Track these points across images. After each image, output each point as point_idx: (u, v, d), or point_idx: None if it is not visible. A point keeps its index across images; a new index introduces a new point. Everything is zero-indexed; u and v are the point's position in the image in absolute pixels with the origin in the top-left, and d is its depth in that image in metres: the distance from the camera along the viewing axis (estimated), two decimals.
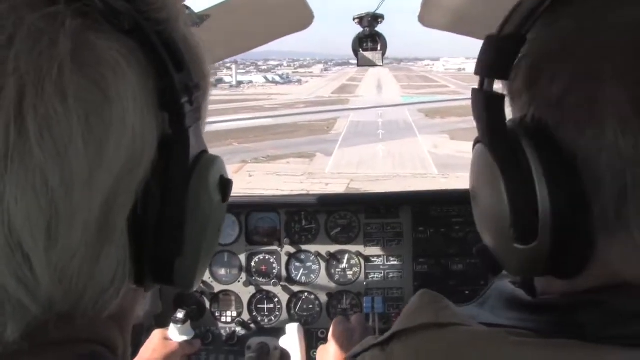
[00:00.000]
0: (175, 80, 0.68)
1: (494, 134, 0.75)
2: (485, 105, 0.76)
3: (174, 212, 0.70)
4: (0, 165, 0.53)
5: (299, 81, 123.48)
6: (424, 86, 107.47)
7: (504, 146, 0.73)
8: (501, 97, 0.76)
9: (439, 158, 32.02)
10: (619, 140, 0.64)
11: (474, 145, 0.84)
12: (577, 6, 0.70)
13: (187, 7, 2.12)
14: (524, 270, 0.80)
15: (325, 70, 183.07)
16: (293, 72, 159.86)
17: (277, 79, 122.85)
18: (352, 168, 29.42)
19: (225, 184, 0.80)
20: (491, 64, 0.77)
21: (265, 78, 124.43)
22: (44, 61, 0.55)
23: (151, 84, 0.66)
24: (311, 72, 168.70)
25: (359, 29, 2.47)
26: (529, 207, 0.70)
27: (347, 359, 1.00)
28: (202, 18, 2.23)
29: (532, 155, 0.70)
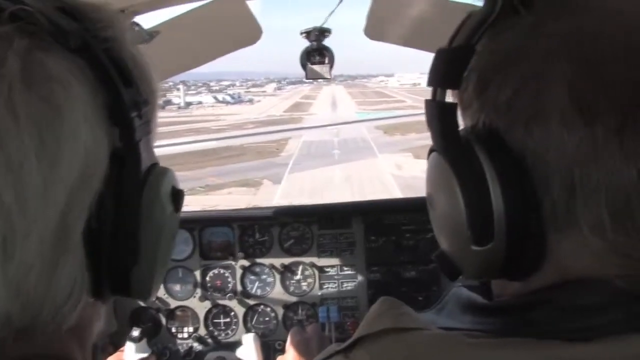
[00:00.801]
0: (124, 96, 0.70)
1: (447, 141, 0.78)
2: (438, 114, 0.79)
3: (128, 222, 0.72)
4: None
5: (251, 100, 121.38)
6: (380, 102, 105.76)
7: (458, 153, 0.76)
8: (453, 106, 0.79)
9: (403, 180, 29.42)
10: (565, 139, 0.67)
11: (429, 154, 0.87)
12: (522, 18, 0.75)
13: (137, 24, 2.14)
14: (481, 273, 0.83)
15: (279, 89, 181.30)
16: (245, 92, 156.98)
17: (228, 98, 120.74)
18: (304, 197, 25.54)
19: (177, 195, 0.83)
20: (442, 75, 0.80)
21: (215, 98, 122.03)
22: None
23: (100, 99, 0.68)
24: (264, 91, 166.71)
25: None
26: (484, 209, 0.72)
27: None
28: (151, 34, 2.25)
29: (484, 159, 0.73)
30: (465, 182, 0.74)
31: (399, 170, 33.36)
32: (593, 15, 0.71)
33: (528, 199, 0.71)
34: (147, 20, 2.24)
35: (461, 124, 0.82)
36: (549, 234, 0.73)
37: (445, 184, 0.78)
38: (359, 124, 65.27)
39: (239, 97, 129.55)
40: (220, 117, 77.89)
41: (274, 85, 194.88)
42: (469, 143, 0.75)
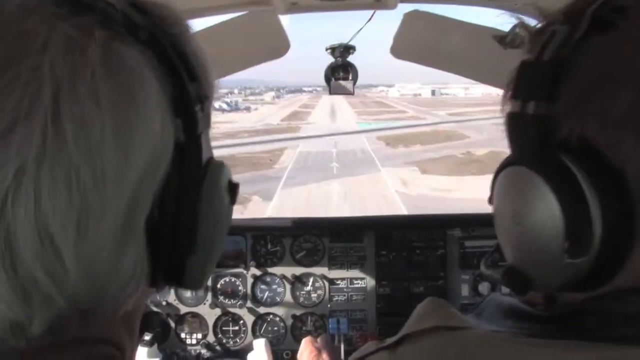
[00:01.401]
0: (189, 89, 0.74)
1: (539, 155, 0.78)
2: (529, 128, 0.80)
3: (188, 212, 0.74)
4: (37, 160, 0.57)
5: (248, 108, 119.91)
6: (381, 112, 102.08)
7: (552, 166, 0.75)
8: (545, 118, 0.78)
9: (410, 199, 26.63)
10: None
11: (504, 167, 0.86)
12: (621, 30, 0.74)
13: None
14: (564, 285, 0.81)
15: (277, 97, 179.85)
16: (243, 100, 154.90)
17: (224, 106, 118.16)
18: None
19: (234, 187, 0.86)
20: (533, 87, 0.80)
21: None
22: (77, 66, 0.60)
23: (168, 92, 0.72)
24: (262, 99, 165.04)
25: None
26: (584, 224, 0.72)
27: None
28: None
29: (580, 173, 0.72)
30: (564, 196, 0.74)
31: (404, 187, 30.88)
32: None
33: (626, 215, 0.71)
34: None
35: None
36: (636, 246, 0.73)
37: (537, 197, 0.77)
38: (359, 134, 62.05)
39: (236, 105, 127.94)
40: (215, 125, 71.41)
41: (272, 93, 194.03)
42: (559, 156, 0.75)
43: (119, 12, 0.67)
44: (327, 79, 2.56)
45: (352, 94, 2.60)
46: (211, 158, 0.82)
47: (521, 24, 2.12)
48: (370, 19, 2.34)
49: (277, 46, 2.61)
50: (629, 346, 0.70)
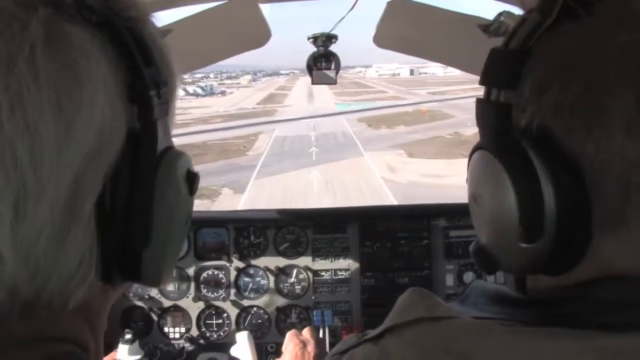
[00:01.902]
0: (145, 74, 0.71)
1: (501, 141, 0.79)
2: (493, 114, 0.81)
3: (141, 201, 0.71)
4: None
5: (223, 92, 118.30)
6: (360, 92, 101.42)
7: (511, 152, 0.76)
8: (509, 107, 0.79)
9: (399, 188, 24.53)
10: (625, 144, 0.68)
11: (473, 152, 0.88)
12: (584, 23, 0.74)
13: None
14: (522, 268, 0.84)
15: (254, 80, 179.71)
16: (219, 84, 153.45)
17: (199, 91, 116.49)
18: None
19: (192, 177, 0.83)
20: (499, 75, 0.81)
21: (185, 91, 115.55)
22: (16, 41, 0.59)
23: (120, 76, 0.69)
24: (238, 83, 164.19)
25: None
26: (536, 209, 0.73)
27: (330, 357, 1.04)
28: (164, 33, 2.23)
29: (538, 160, 0.74)
30: (519, 181, 0.75)
31: (391, 173, 28.80)
32: None
33: (579, 201, 0.73)
34: (161, 18, 2.24)
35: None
36: (595, 233, 0.74)
37: (496, 182, 0.79)
38: (338, 116, 59.87)
39: (211, 89, 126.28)
40: (188, 110, 69.43)
41: (248, 77, 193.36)
42: (521, 143, 0.76)
43: None
44: (310, 69, 2.53)
45: (335, 83, 2.58)
46: (169, 147, 0.79)
47: (505, 13, 2.09)
48: (352, 7, 2.31)
49: (259, 35, 2.58)
50: (613, 334, 0.70)
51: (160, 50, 0.78)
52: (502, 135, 0.79)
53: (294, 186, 25.85)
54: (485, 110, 0.83)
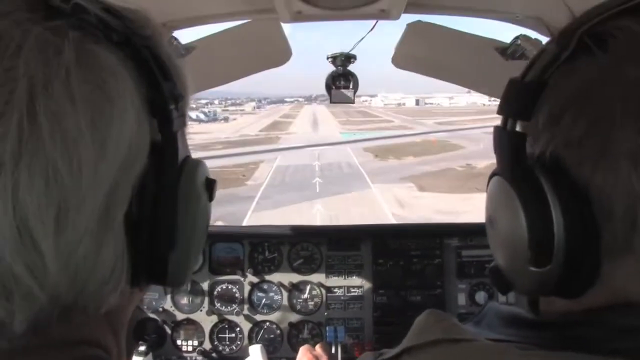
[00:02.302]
0: (164, 89, 0.76)
1: (515, 168, 0.82)
2: (508, 142, 0.84)
3: (166, 209, 0.77)
4: (14, 157, 0.59)
5: (226, 119, 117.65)
6: (365, 121, 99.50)
7: (524, 180, 0.79)
8: (523, 136, 0.83)
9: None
10: (632, 178, 0.70)
11: (491, 178, 0.91)
12: (597, 59, 0.77)
13: (175, 38, 2.19)
14: (534, 291, 0.86)
15: (258, 107, 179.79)
16: (223, 110, 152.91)
17: (202, 116, 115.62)
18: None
19: (211, 184, 0.89)
20: (515, 106, 0.84)
21: (188, 116, 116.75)
22: (52, 66, 0.62)
23: (142, 92, 0.74)
24: (242, 110, 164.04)
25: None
26: (546, 234, 0.76)
27: None
28: (188, 49, 2.31)
29: (549, 188, 0.76)
30: (530, 207, 0.78)
31: (402, 208, 26.99)
32: None
33: (588, 228, 0.74)
34: (185, 35, 2.30)
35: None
36: (604, 260, 0.75)
37: (509, 207, 0.81)
38: (343, 145, 57.78)
39: (214, 115, 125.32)
40: (189, 136, 66.94)
41: (253, 104, 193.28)
42: (534, 172, 0.79)
43: (92, 16, 0.70)
44: (328, 88, 2.58)
45: (353, 102, 2.63)
46: (188, 156, 0.84)
47: (522, 36, 2.15)
48: (372, 28, 2.37)
49: (280, 54, 2.63)
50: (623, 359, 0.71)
51: (175, 66, 0.82)
52: (516, 163, 0.83)
53: (295, 221, 20.99)
54: (502, 138, 0.86)
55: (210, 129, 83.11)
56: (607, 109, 0.73)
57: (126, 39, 0.73)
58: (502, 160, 0.86)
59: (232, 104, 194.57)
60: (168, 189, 0.77)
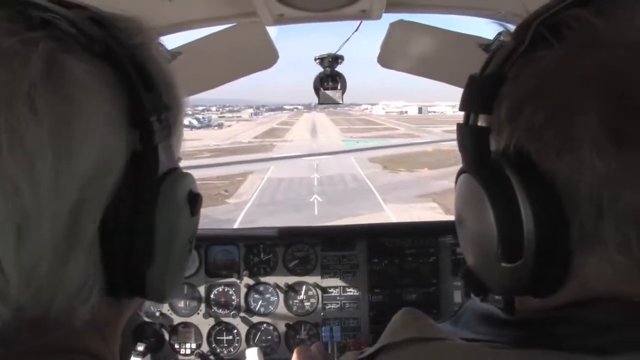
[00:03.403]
0: (144, 100, 0.75)
1: (480, 164, 0.82)
2: (472, 138, 0.84)
3: (143, 222, 0.74)
4: None
5: (220, 125, 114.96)
6: (368, 129, 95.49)
7: (490, 175, 0.78)
8: (486, 130, 0.82)
9: None
10: (595, 162, 0.69)
11: (458, 175, 0.90)
12: (553, 50, 0.77)
13: (160, 44, 2.21)
14: (507, 289, 0.84)
15: (256, 115, 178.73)
16: (219, 117, 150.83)
17: (195, 122, 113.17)
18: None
19: (194, 199, 0.85)
20: (475, 100, 0.84)
21: None
22: (17, 78, 0.62)
23: (121, 102, 0.73)
24: (239, 117, 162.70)
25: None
26: (515, 228, 0.75)
27: None
28: (173, 55, 2.32)
29: (515, 181, 0.75)
30: (497, 202, 0.77)
31: None
32: (625, 50, 0.74)
33: (557, 220, 0.74)
34: (170, 41, 2.33)
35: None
36: (575, 252, 0.75)
37: (476, 204, 0.81)
38: (346, 154, 51.86)
39: (208, 121, 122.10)
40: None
41: (250, 110, 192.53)
42: (500, 165, 0.78)
43: (73, 26, 0.69)
44: (316, 89, 2.58)
45: (340, 103, 2.62)
46: (173, 168, 0.82)
47: (505, 32, 2.18)
48: (357, 29, 2.38)
49: (266, 57, 2.64)
50: (600, 356, 0.71)
51: (163, 75, 0.81)
52: (481, 158, 0.82)
53: None
54: (465, 134, 0.85)
55: (201, 136, 79.79)
56: (566, 96, 0.74)
57: (107, 49, 0.72)
58: (467, 157, 0.86)
59: (230, 111, 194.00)
60: (144, 201, 0.74)
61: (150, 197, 0.75)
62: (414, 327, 0.89)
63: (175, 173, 0.81)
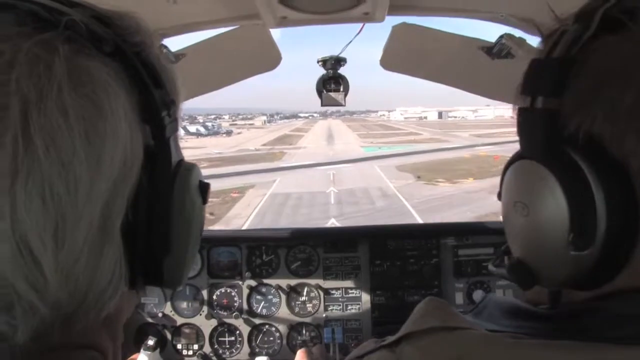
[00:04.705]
0: (156, 96, 0.78)
1: (548, 149, 0.80)
2: (539, 122, 0.81)
3: (161, 213, 0.78)
4: (10, 175, 0.60)
5: (229, 132, 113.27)
6: (389, 134, 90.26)
7: (560, 160, 0.77)
8: (555, 114, 0.79)
9: None
10: None
11: (514, 161, 0.88)
12: (634, 30, 0.74)
13: (164, 46, 2.24)
14: (567, 280, 0.82)
15: (269, 122, 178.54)
16: (231, 124, 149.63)
17: (202, 130, 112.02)
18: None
19: (205, 187, 0.91)
20: (543, 83, 0.82)
21: (185, 129, 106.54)
22: (44, 82, 0.63)
23: (134, 99, 0.75)
24: (252, 124, 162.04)
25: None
26: (589, 216, 0.73)
27: None
28: (177, 57, 2.35)
29: (586, 166, 0.74)
30: (569, 188, 0.75)
31: None
32: None
33: (630, 207, 0.72)
34: (174, 42, 2.35)
35: None
36: (638, 245, 0.74)
37: (544, 190, 0.79)
38: (368, 162, 44.32)
39: (216, 128, 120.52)
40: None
41: (264, 118, 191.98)
42: (567, 150, 0.77)
43: (82, 26, 0.71)
44: (319, 91, 2.60)
45: (343, 105, 2.64)
46: (181, 160, 0.86)
47: (506, 35, 2.17)
48: (359, 31, 2.40)
49: (269, 59, 2.66)
50: (630, 347, 0.71)
51: (166, 71, 0.83)
52: (548, 143, 0.80)
53: None
54: (530, 118, 0.83)
55: (206, 144, 75.45)
56: None
57: (117, 48, 0.73)
58: (532, 142, 0.84)
59: (242, 119, 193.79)
60: (162, 194, 0.78)
61: (165, 189, 0.79)
62: (437, 316, 0.90)
63: (185, 165, 0.85)
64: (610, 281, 0.78)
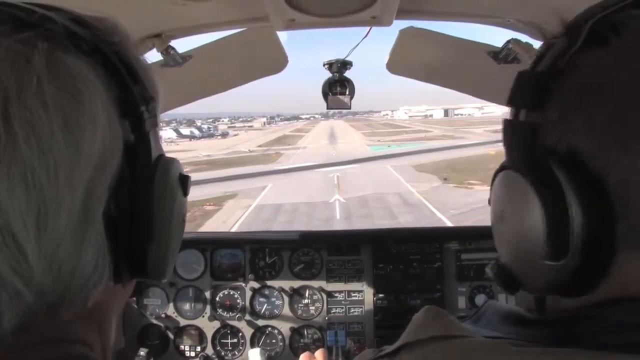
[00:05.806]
0: (134, 92, 0.81)
1: (528, 161, 0.80)
2: (521, 134, 0.83)
3: (142, 204, 0.80)
4: None
5: (224, 134, 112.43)
6: (396, 132, 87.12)
7: (539, 171, 0.77)
8: (536, 127, 0.80)
9: None
10: None
11: (498, 171, 0.89)
12: (616, 45, 0.76)
13: (172, 48, 2.24)
14: (547, 287, 0.83)
15: (269, 124, 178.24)
16: (229, 127, 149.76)
17: (196, 132, 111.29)
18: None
19: (185, 180, 0.93)
20: (527, 96, 0.83)
21: (177, 132, 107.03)
22: (23, 75, 0.66)
23: (113, 95, 0.78)
24: (250, 126, 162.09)
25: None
26: (563, 227, 0.74)
27: None
28: (185, 58, 2.35)
29: (564, 179, 0.74)
30: (545, 198, 0.76)
31: None
32: None
33: (606, 219, 0.73)
34: (182, 44, 2.36)
35: None
36: (619, 252, 0.74)
37: (523, 201, 0.80)
38: (378, 162, 38.43)
39: (212, 130, 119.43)
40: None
41: (263, 120, 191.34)
42: (548, 163, 0.77)
43: (59, 26, 0.73)
44: (325, 94, 2.60)
45: (349, 108, 2.64)
46: (161, 155, 0.88)
47: (513, 40, 2.17)
48: (366, 35, 2.40)
49: (276, 61, 2.67)
50: (623, 354, 0.71)
51: (145, 69, 0.86)
52: (529, 155, 0.81)
53: None
54: (513, 130, 0.85)
55: (197, 146, 70.98)
56: (630, 93, 0.72)
57: (95, 47, 0.76)
58: (514, 153, 0.86)
59: (242, 121, 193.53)
60: (143, 185, 0.81)
61: (147, 182, 0.81)
62: (436, 325, 0.89)
63: (165, 159, 0.88)
64: (592, 289, 0.78)
